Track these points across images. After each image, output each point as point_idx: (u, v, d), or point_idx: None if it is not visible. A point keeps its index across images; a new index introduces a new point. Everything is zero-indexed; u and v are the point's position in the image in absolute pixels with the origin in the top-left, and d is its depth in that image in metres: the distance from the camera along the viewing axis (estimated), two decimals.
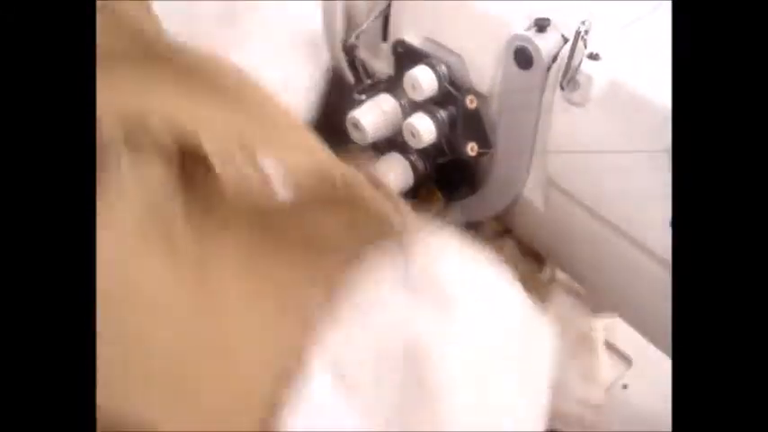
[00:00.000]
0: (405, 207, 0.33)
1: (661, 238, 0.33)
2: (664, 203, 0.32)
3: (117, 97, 0.32)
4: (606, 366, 0.52)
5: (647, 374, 0.52)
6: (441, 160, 0.40)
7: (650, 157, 0.32)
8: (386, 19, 0.42)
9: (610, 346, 0.53)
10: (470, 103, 0.37)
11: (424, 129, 0.37)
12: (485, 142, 0.38)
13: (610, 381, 0.52)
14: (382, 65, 0.44)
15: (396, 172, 0.40)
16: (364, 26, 0.42)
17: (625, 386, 0.52)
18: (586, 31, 0.31)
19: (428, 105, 0.38)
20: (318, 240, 0.32)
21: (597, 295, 0.41)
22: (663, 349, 0.39)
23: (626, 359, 0.53)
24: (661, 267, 0.34)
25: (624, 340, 0.53)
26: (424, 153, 0.41)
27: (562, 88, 0.33)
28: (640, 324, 0.40)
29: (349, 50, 0.43)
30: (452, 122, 0.38)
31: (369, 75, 0.44)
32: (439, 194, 0.44)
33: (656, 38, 0.33)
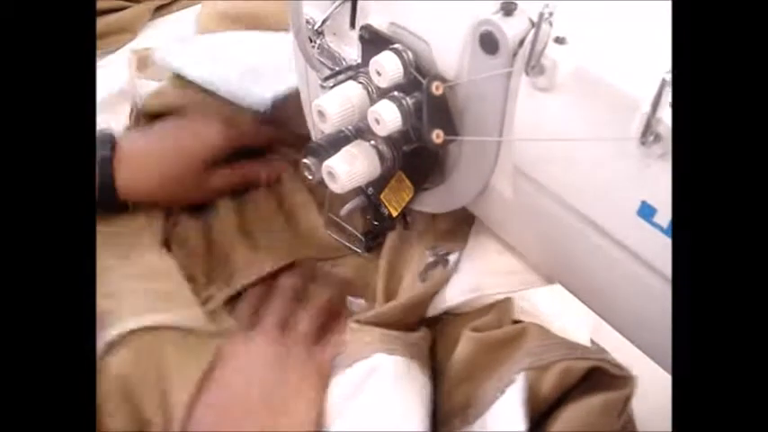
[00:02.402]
0: None
1: (629, 227, 0.32)
2: (632, 193, 0.31)
3: None
4: None
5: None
6: (407, 148, 0.39)
7: (618, 144, 0.31)
8: (354, 5, 0.41)
9: None
10: (436, 89, 0.36)
11: (389, 115, 0.36)
12: (451, 129, 0.37)
13: None
14: (351, 51, 0.43)
15: (362, 160, 0.39)
16: (331, 11, 0.41)
17: None
18: (551, 14, 0.30)
19: (394, 92, 0.37)
20: None
21: (569, 287, 0.41)
22: (639, 347, 0.38)
23: None
24: (630, 258, 0.34)
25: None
26: (391, 141, 0.40)
27: (527, 73, 0.32)
28: (612, 318, 0.39)
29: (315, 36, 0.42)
30: (418, 109, 0.37)
31: (335, 62, 0.43)
32: (409, 184, 0.43)
33: (625, 21, 0.32)
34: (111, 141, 0.53)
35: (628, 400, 0.38)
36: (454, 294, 0.46)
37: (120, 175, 0.52)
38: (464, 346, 0.42)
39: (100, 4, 0.78)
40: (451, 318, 0.47)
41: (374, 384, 0.41)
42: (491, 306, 0.45)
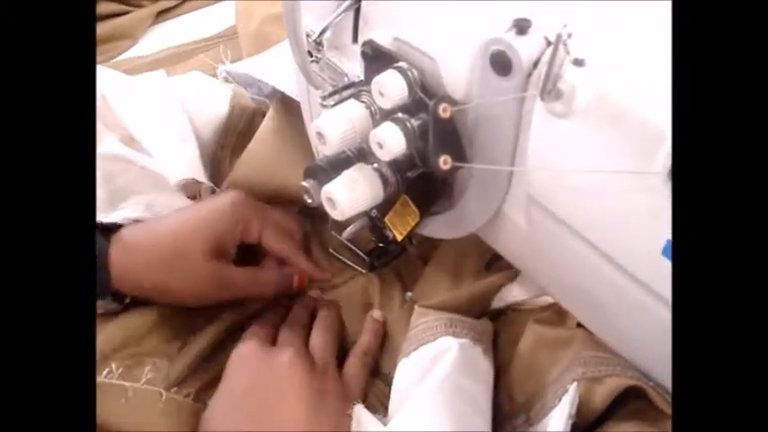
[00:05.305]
0: None
1: (653, 267, 0.29)
2: (655, 229, 0.29)
3: None
4: None
5: None
6: (411, 174, 0.37)
7: (641, 178, 0.28)
8: (356, 17, 0.39)
9: None
10: (443, 111, 0.33)
11: (392, 140, 0.33)
12: (459, 155, 0.34)
13: None
14: (354, 66, 0.40)
15: (363, 185, 0.36)
16: (330, 20, 0.39)
17: None
18: (569, 35, 0.28)
19: (398, 113, 0.35)
20: None
21: (587, 325, 0.38)
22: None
23: None
24: (650, 297, 0.31)
25: None
26: (395, 165, 0.37)
27: (542, 98, 0.29)
28: (631, 357, 0.36)
29: (315, 50, 0.39)
30: (424, 132, 0.34)
31: (338, 78, 0.40)
32: (415, 209, 0.40)
33: (651, 42, 0.29)
34: (111, 232, 0.47)
35: None
36: (523, 288, 0.44)
37: (115, 270, 0.45)
38: (527, 338, 0.41)
39: (101, 9, 0.76)
40: (516, 314, 0.45)
41: (440, 368, 0.39)
42: (554, 303, 0.42)
